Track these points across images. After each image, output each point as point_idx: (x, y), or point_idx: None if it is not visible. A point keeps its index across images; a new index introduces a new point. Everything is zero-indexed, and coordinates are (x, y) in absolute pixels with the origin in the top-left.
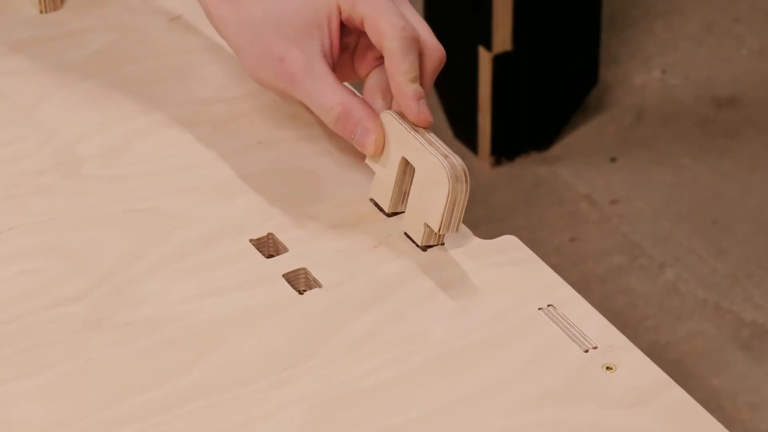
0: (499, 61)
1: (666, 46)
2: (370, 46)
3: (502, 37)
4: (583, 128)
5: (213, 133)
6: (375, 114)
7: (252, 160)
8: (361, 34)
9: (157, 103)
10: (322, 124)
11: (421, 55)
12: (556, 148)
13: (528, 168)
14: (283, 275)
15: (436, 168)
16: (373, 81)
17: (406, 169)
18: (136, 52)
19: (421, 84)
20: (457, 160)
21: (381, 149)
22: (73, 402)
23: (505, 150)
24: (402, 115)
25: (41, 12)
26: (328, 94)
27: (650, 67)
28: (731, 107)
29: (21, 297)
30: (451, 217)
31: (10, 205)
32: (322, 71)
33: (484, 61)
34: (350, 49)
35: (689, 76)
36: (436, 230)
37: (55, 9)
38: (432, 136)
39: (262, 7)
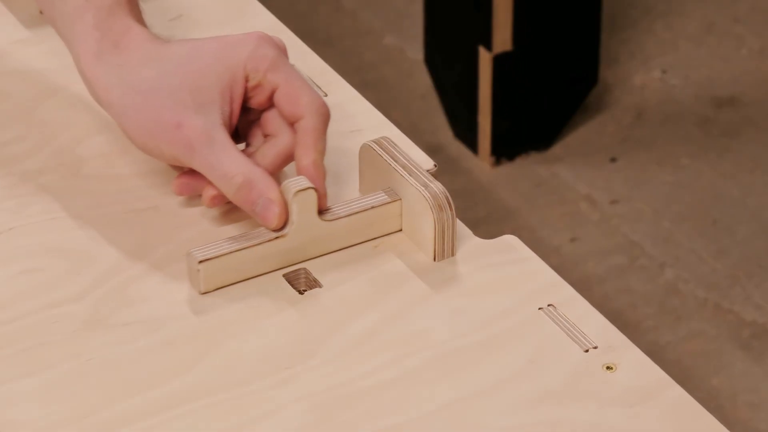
0: (499, 61)
1: (666, 46)
2: (271, 118)
3: (502, 37)
4: (583, 128)
5: None
6: (276, 185)
7: None
8: (264, 104)
9: None
10: None
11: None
12: (556, 148)
13: (528, 168)
14: (284, 275)
15: (418, 198)
16: (266, 154)
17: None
18: None
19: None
20: (438, 187)
21: (284, 222)
22: (73, 402)
23: (505, 150)
24: (382, 145)
25: (41, 12)
26: (228, 163)
27: (650, 67)
28: (731, 107)
29: (21, 297)
30: (443, 244)
31: (11, 205)
32: (222, 140)
33: (484, 61)
34: (248, 117)
35: (689, 76)
36: (432, 260)
37: None
38: (414, 164)
39: (155, 71)
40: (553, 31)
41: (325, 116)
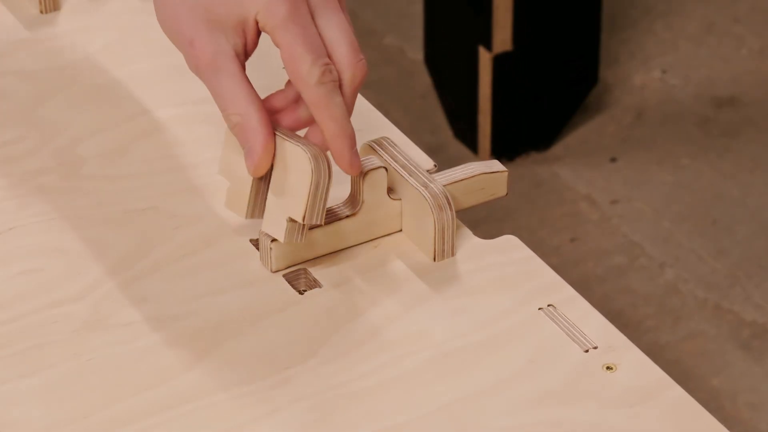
0: (499, 61)
1: (666, 46)
2: None
3: (502, 37)
4: (583, 128)
5: (213, 133)
6: (267, 134)
7: None
8: None
9: (157, 103)
10: None
11: (340, 77)
12: (556, 148)
13: (528, 168)
14: (284, 275)
15: (418, 198)
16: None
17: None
18: (136, 52)
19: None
20: (438, 187)
21: (261, 173)
22: (73, 402)
23: (505, 150)
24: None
25: (41, 12)
26: (229, 98)
27: (650, 67)
28: (731, 107)
29: (21, 297)
30: (443, 244)
31: (11, 205)
32: (229, 70)
33: (484, 61)
34: None
35: (689, 76)
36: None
37: (55, 9)
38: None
39: None
40: (553, 31)
41: (327, 86)
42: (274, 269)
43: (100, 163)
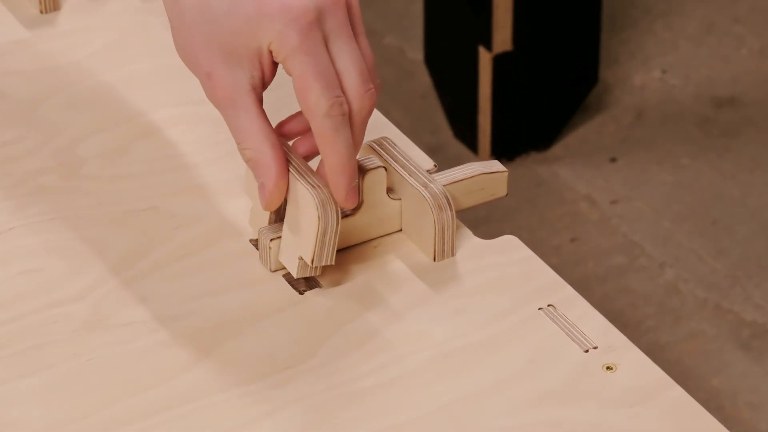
0: (499, 61)
1: (666, 46)
2: None
3: (502, 37)
4: (583, 128)
5: (213, 133)
6: (280, 171)
7: None
8: None
9: (157, 103)
10: None
11: (350, 107)
12: (556, 148)
13: (528, 168)
14: (283, 275)
15: (418, 198)
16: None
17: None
18: (136, 52)
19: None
20: (438, 187)
21: (273, 208)
22: (73, 402)
23: (505, 150)
24: (382, 145)
25: (41, 12)
26: (244, 134)
27: (650, 67)
28: (731, 107)
29: (21, 297)
30: (443, 244)
31: (11, 205)
32: (245, 105)
33: (484, 61)
34: None
35: (689, 76)
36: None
37: (55, 9)
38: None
39: (196, 8)
40: (553, 31)
41: (335, 119)
42: (273, 269)
43: (100, 163)
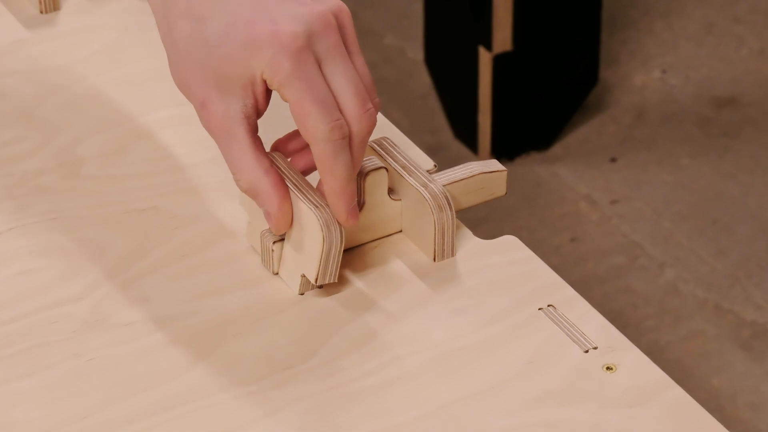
0: (499, 61)
1: (666, 46)
2: None
3: (502, 37)
4: (583, 128)
5: None
6: (281, 197)
7: None
8: None
9: (157, 103)
10: None
11: (349, 128)
12: (556, 148)
13: (528, 168)
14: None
15: (418, 198)
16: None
17: None
18: (136, 52)
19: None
20: (438, 187)
21: (284, 231)
22: (73, 402)
23: (505, 150)
24: (382, 145)
25: (41, 12)
26: (238, 164)
27: (650, 67)
28: (731, 107)
29: (21, 297)
30: (443, 245)
31: (10, 205)
32: (239, 136)
33: (484, 61)
34: None
35: (689, 76)
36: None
37: (55, 9)
38: (413, 164)
39: (189, 28)
40: (553, 31)
41: (335, 142)
42: (276, 271)
43: (100, 163)
